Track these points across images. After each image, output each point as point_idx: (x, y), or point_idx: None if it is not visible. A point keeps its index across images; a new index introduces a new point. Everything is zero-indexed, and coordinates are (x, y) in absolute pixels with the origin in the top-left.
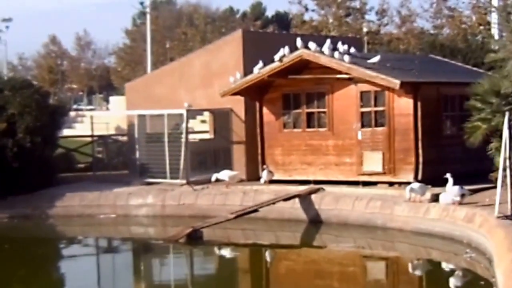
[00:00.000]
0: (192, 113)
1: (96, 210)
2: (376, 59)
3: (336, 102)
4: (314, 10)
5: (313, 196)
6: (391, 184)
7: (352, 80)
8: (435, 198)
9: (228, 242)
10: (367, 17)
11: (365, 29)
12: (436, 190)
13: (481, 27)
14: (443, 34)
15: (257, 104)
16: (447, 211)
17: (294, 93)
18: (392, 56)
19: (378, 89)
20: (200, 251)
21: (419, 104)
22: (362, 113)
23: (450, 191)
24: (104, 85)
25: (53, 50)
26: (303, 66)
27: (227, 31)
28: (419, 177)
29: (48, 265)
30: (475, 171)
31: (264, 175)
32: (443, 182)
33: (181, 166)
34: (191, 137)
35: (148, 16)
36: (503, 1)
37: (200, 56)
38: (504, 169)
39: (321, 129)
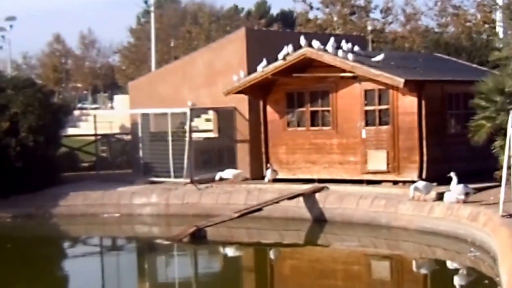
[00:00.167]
0: (196, 112)
1: (100, 209)
2: (380, 57)
3: (340, 100)
4: (319, 9)
5: (317, 195)
6: (395, 182)
7: (356, 79)
8: (440, 197)
9: (232, 241)
10: (371, 15)
11: (369, 28)
12: (441, 188)
13: (486, 25)
14: (448, 32)
15: (261, 103)
16: (451, 210)
17: (298, 91)
18: (396, 54)
19: (382, 87)
20: (204, 250)
21: (423, 102)
22: (366, 112)
23: (455, 189)
24: (108, 83)
25: (57, 48)
26: (307, 64)
27: (232, 29)
28: (424, 175)
29: (51, 265)
30: (479, 170)
31: (268, 174)
32: (448, 181)
33: (185, 165)
34: (195, 135)
35: (152, 15)
36: None
37: (203, 55)
38: (509, 168)
39: (325, 128)
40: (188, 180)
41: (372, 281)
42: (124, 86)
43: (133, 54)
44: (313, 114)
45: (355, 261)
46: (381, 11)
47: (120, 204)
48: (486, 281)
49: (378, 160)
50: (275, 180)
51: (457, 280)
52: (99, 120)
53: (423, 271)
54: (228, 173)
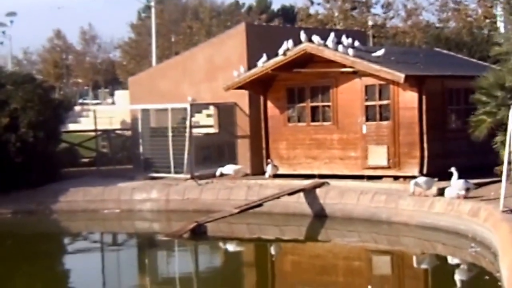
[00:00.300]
0: (197, 107)
1: (100, 205)
2: (380, 52)
3: (340, 95)
4: (320, 4)
5: (317, 190)
6: (396, 178)
7: (356, 74)
8: (440, 192)
9: (233, 236)
10: (372, 10)
11: (370, 23)
12: (441, 184)
13: (487, 20)
14: (449, 28)
15: (262, 98)
16: (452, 205)
17: (298, 87)
18: (397, 50)
19: (382, 82)
20: (204, 246)
21: (424, 97)
22: (367, 107)
23: (455, 185)
24: (109, 79)
25: (58, 44)
26: (307, 59)
27: (233, 25)
28: (424, 171)
29: (52, 260)
30: (480, 165)
31: (269, 170)
32: (448, 176)
33: (185, 161)
34: (196, 131)
35: (153, 10)
36: None
37: (203, 50)
38: (509, 163)
39: (325, 123)
40: (188, 176)
41: (373, 276)
42: (125, 81)
43: (134, 49)
44: (314, 109)
45: (356, 256)
46: (382, 6)
47: (121, 200)
48: (487, 277)
49: (378, 156)
50: (276, 176)
51: (457, 276)
52: (99, 116)
53: (424, 266)
54: (228, 169)
